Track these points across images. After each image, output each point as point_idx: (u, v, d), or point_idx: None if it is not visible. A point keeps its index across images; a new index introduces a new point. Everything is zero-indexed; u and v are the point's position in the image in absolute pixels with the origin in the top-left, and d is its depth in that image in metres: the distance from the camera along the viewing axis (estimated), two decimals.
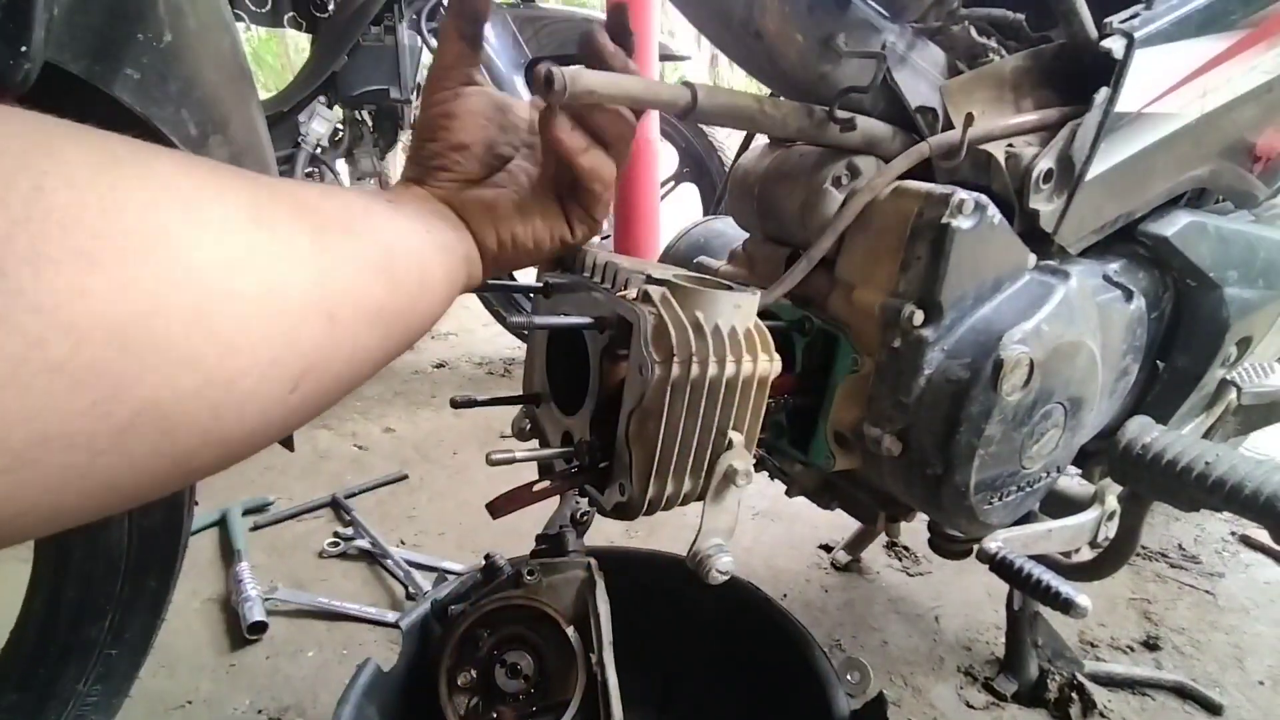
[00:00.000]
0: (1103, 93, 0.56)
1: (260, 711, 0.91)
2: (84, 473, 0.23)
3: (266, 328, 0.28)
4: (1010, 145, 0.56)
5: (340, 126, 2.72)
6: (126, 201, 0.24)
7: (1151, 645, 1.02)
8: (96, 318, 0.22)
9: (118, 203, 0.23)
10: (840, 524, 1.25)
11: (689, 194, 2.15)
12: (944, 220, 0.50)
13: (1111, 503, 0.72)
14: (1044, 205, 0.56)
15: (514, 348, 2.17)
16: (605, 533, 1.24)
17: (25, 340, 0.21)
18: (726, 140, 2.02)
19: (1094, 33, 0.56)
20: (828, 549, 1.23)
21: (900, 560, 1.21)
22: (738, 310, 0.43)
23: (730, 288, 0.44)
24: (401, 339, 0.37)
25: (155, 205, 0.25)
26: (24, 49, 0.40)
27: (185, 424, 0.25)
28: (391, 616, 1.05)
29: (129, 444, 0.24)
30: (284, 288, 0.29)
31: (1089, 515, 0.72)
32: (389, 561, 1.18)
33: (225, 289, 0.26)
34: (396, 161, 3.13)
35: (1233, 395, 0.79)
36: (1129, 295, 0.62)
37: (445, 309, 0.42)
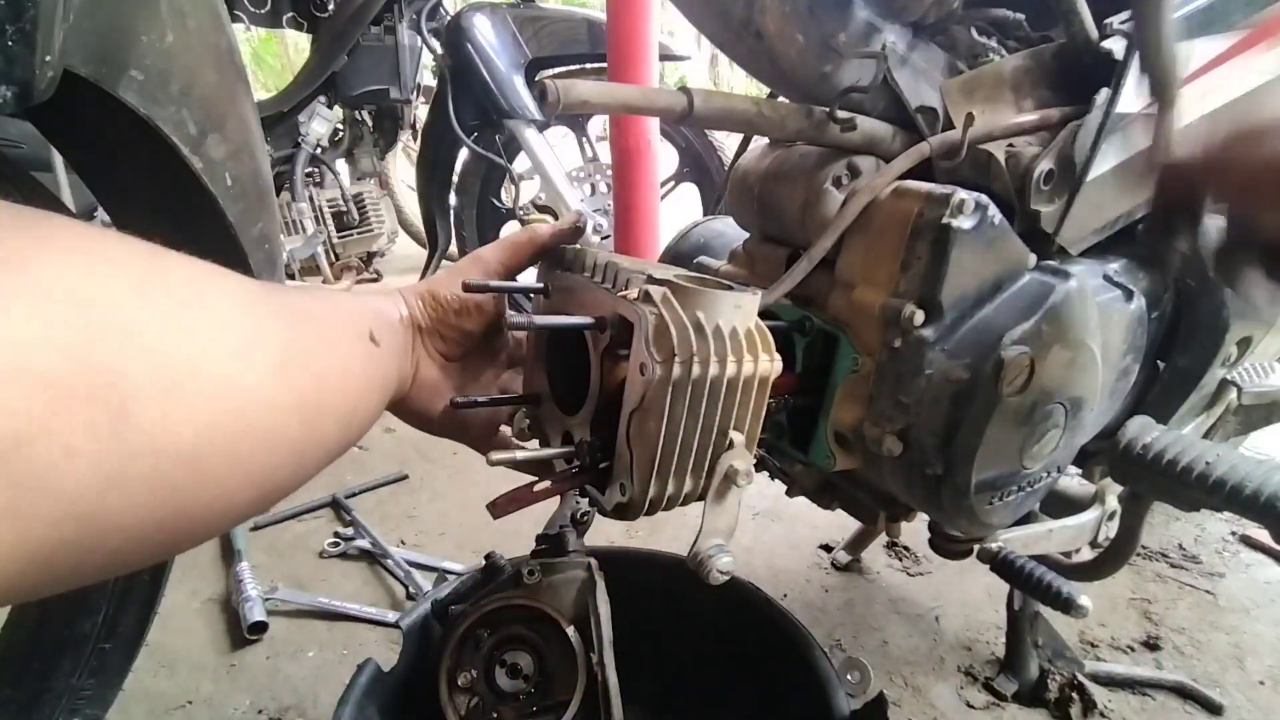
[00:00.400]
0: (1103, 93, 0.55)
1: (260, 711, 0.91)
2: (124, 552, 0.29)
3: (264, 460, 0.34)
4: (1011, 145, 0.56)
5: (340, 126, 2.72)
6: (199, 342, 0.30)
7: (1152, 645, 1.02)
8: (174, 442, 0.28)
9: (196, 347, 0.30)
10: (841, 524, 1.25)
11: (689, 194, 2.14)
12: (944, 220, 0.50)
13: (1112, 503, 0.72)
14: (1045, 206, 0.56)
15: None
16: (605, 533, 1.24)
17: (128, 452, 0.27)
18: (726, 140, 2.02)
19: (1094, 33, 0.56)
20: (828, 549, 1.23)
21: (900, 560, 1.21)
22: (738, 310, 0.43)
23: (731, 288, 0.43)
24: (325, 465, 0.43)
25: (218, 347, 0.31)
26: (48, 58, 0.40)
27: (195, 523, 0.32)
28: (392, 616, 1.05)
29: (156, 537, 0.30)
30: (284, 431, 0.35)
31: (1089, 515, 0.72)
32: (389, 561, 1.18)
33: (250, 427, 0.32)
34: (396, 161, 3.13)
35: (1233, 395, 0.79)
36: (1129, 295, 0.62)
37: None
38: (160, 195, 0.59)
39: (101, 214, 1.88)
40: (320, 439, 0.38)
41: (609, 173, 1.78)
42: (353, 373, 0.42)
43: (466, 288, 0.50)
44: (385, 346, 0.46)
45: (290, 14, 2.38)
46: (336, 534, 1.25)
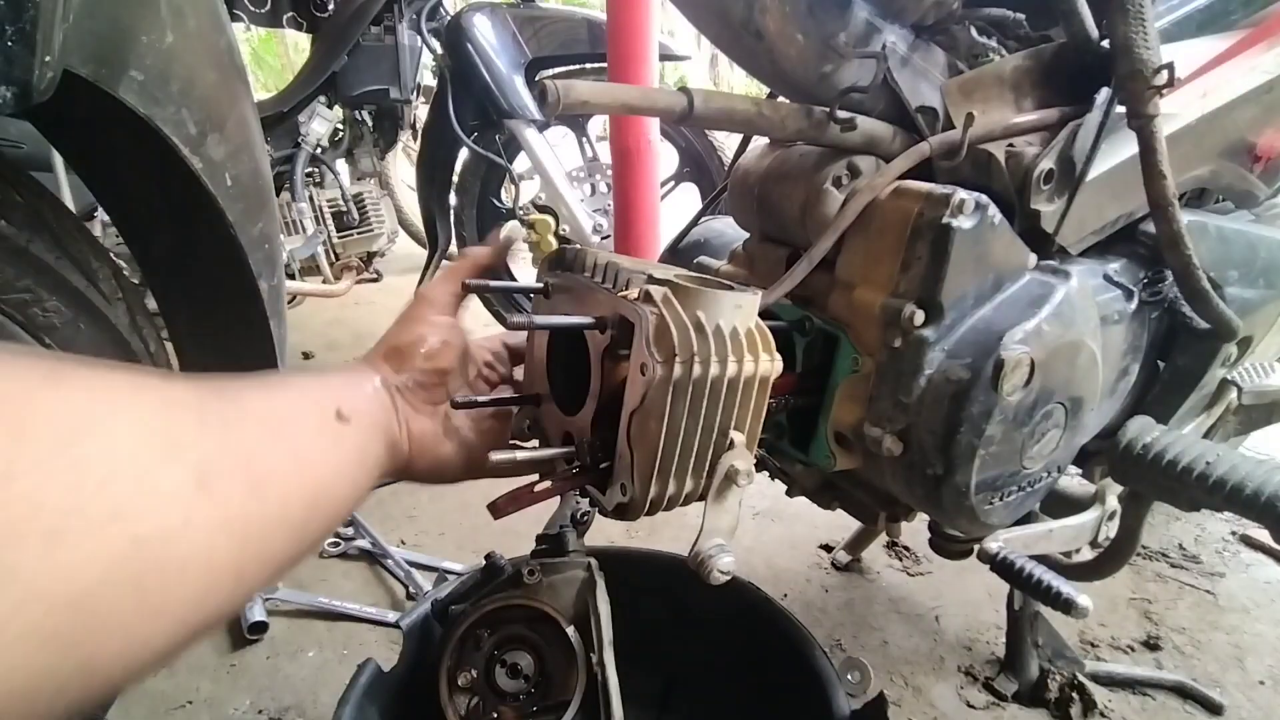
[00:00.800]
0: (1103, 93, 0.55)
1: (260, 711, 0.91)
2: (21, 715, 0.25)
3: (185, 593, 0.30)
4: (1011, 145, 0.56)
5: (340, 126, 2.72)
6: (88, 477, 0.27)
7: (1152, 645, 1.02)
8: (62, 587, 0.25)
9: (80, 479, 0.26)
10: (841, 524, 1.25)
11: (689, 194, 2.14)
12: (944, 220, 0.50)
13: (1112, 503, 0.72)
14: (1045, 205, 0.56)
15: None
16: (605, 533, 1.24)
17: (10, 604, 0.24)
18: (726, 140, 2.02)
19: (1094, 32, 0.56)
20: (828, 549, 1.23)
21: (900, 560, 1.21)
22: (739, 310, 0.43)
23: (731, 288, 0.44)
24: (279, 576, 0.39)
25: (114, 478, 0.28)
26: (48, 58, 0.40)
27: (103, 677, 0.28)
28: (392, 616, 1.05)
29: (56, 699, 0.26)
30: (209, 555, 0.31)
31: (1089, 515, 0.72)
32: (389, 561, 1.18)
33: (161, 558, 0.29)
34: (396, 161, 3.13)
35: (1233, 395, 0.79)
36: (1129, 295, 0.62)
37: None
38: (160, 195, 0.59)
39: (101, 214, 1.88)
40: (263, 552, 0.35)
41: (609, 173, 1.78)
42: (311, 464, 0.39)
43: (466, 288, 0.50)
44: (358, 422, 0.43)
45: (290, 14, 2.37)
46: (337, 534, 1.25)
